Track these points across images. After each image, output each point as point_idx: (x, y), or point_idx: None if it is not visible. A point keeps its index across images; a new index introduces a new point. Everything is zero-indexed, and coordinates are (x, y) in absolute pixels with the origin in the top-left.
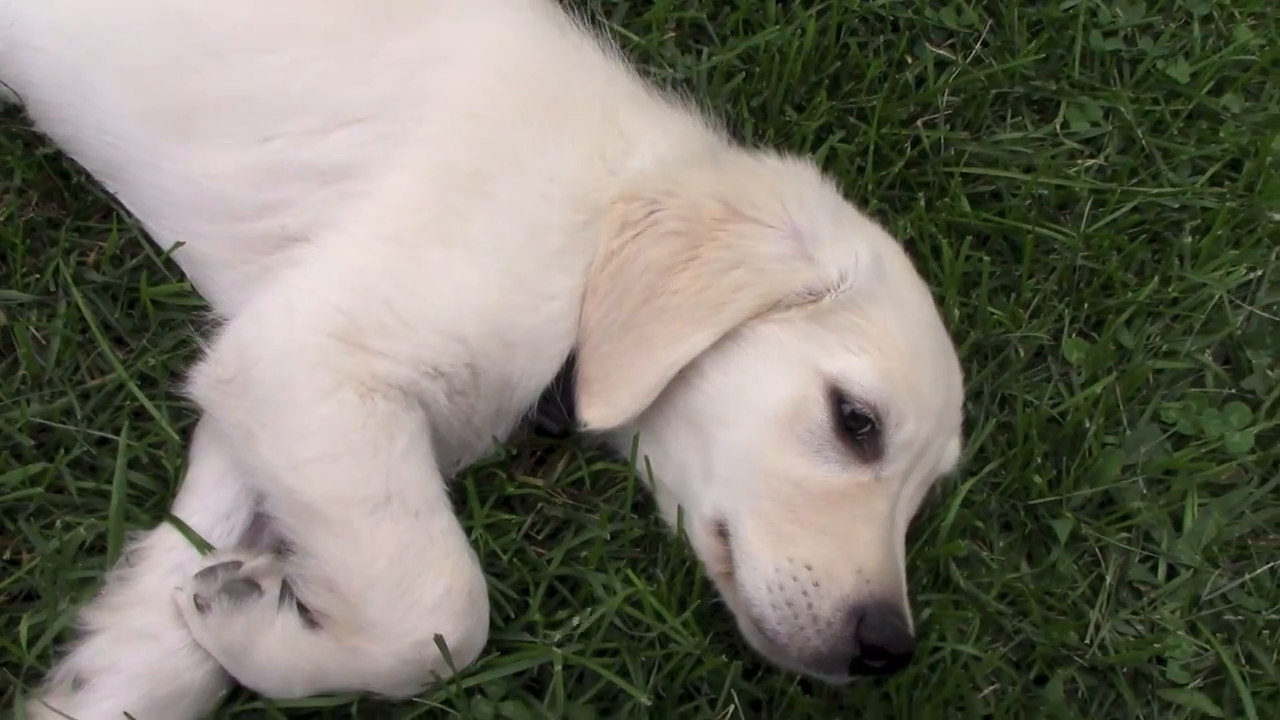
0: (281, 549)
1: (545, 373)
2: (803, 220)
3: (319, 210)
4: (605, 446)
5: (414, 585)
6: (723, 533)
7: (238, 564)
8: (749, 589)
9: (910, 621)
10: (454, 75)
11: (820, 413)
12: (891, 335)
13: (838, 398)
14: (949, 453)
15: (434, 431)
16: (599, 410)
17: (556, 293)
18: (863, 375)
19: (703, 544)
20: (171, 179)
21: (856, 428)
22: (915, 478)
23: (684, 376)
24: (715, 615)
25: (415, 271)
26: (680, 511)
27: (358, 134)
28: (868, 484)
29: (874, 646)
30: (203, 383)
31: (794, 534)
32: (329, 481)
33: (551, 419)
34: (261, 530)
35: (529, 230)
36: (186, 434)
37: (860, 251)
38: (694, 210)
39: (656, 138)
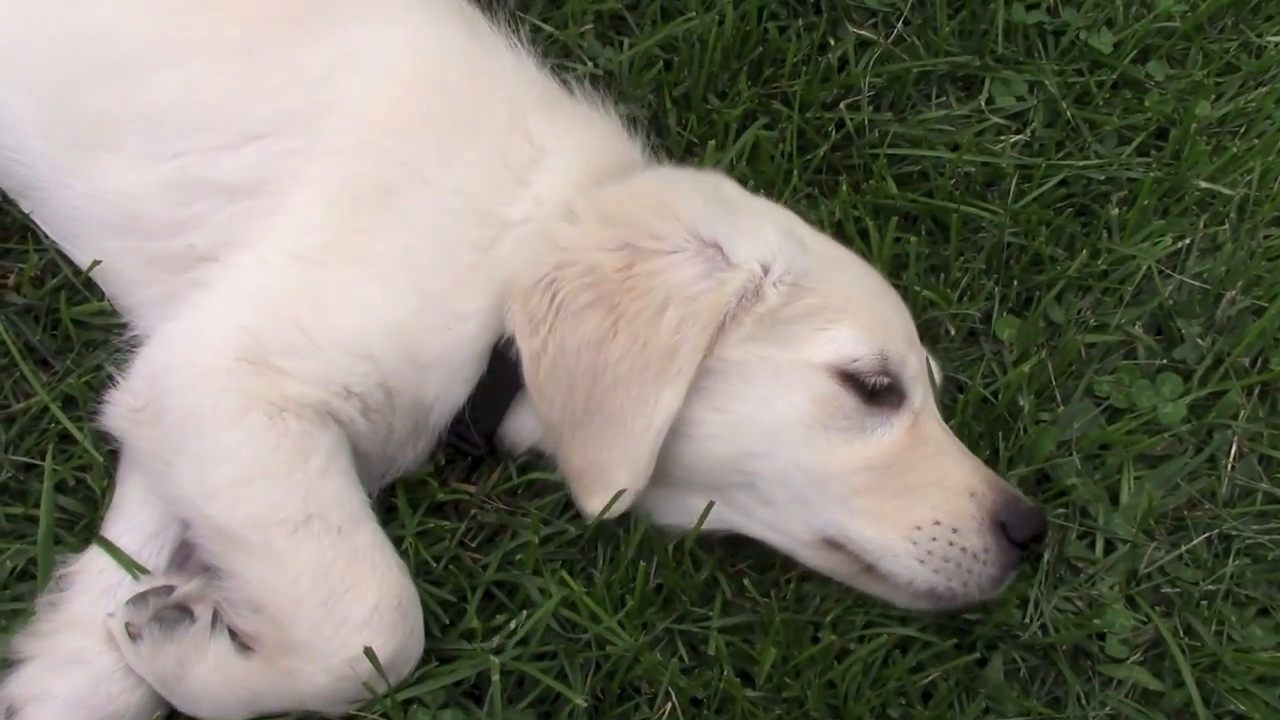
0: (212, 569)
1: (459, 395)
2: (703, 228)
3: (227, 228)
4: (537, 455)
5: (341, 602)
6: (835, 545)
7: (169, 589)
8: (905, 575)
9: (1020, 492)
10: (357, 86)
11: (844, 399)
12: (848, 293)
13: (848, 377)
14: (932, 367)
15: (354, 448)
16: (601, 498)
17: (469, 313)
18: (854, 345)
19: (820, 560)
20: (82, 197)
21: (878, 389)
22: (929, 396)
23: (679, 432)
24: (651, 612)
25: (322, 290)
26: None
27: (265, 149)
28: (913, 424)
29: (1027, 540)
30: (115, 413)
31: (899, 506)
32: (245, 506)
33: (466, 442)
34: (194, 546)
35: (436, 246)
36: (113, 455)
37: (770, 234)
38: (594, 271)
39: (568, 147)
